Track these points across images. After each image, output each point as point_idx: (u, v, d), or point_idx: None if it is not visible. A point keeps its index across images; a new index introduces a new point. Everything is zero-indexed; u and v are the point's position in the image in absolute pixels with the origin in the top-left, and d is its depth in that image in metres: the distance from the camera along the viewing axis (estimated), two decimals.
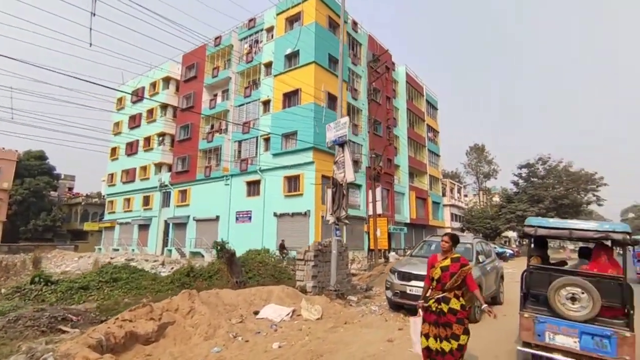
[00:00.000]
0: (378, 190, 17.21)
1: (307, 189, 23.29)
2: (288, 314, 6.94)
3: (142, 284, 12.06)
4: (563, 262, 5.81)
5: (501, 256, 29.18)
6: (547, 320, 4.27)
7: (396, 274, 7.13)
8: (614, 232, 4.26)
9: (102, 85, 31.83)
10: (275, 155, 24.95)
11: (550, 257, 6.21)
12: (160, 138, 34.88)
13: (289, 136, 24.65)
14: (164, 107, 34.96)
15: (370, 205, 27.55)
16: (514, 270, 21.38)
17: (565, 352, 4.12)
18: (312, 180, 23.05)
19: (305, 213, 22.94)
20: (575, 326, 4.09)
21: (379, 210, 18.42)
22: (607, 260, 4.64)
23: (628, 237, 4.17)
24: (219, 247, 9.93)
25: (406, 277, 6.91)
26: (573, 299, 4.20)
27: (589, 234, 4.41)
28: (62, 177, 48.82)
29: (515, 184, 37.78)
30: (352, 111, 27.66)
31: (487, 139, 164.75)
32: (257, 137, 26.72)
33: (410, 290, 6.81)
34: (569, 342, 4.11)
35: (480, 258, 7.38)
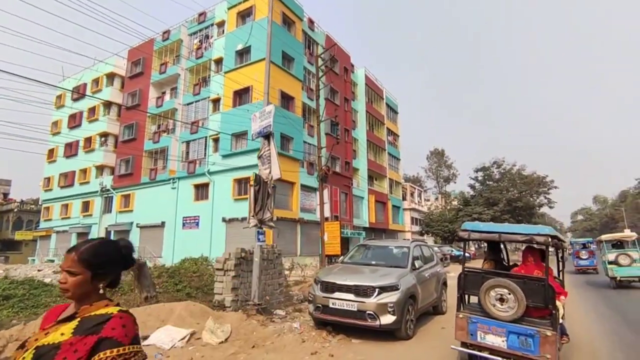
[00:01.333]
0: (326, 192, 16.16)
1: None
2: (184, 338, 5.64)
3: (43, 301, 10.25)
4: (515, 265, 5.80)
5: (458, 258, 29.19)
6: (479, 320, 4.44)
7: (319, 284, 6.03)
8: (537, 235, 4.37)
9: (37, 81, 28.92)
10: (224, 156, 23.40)
11: (511, 261, 6.25)
12: (103, 138, 32.18)
13: (239, 136, 23.21)
14: (108, 105, 32.38)
15: (325, 207, 26.69)
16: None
17: (494, 351, 4.27)
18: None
19: None
20: (503, 326, 4.26)
21: (327, 214, 17.36)
22: (533, 262, 4.93)
23: (550, 239, 4.31)
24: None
25: (329, 288, 5.83)
26: (501, 300, 4.35)
27: (516, 237, 4.59)
28: None
29: (472, 187, 38.34)
30: (307, 111, 26.66)
31: (452, 143, 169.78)
32: (206, 137, 25.06)
33: (333, 304, 5.71)
34: (498, 341, 4.27)
35: (417, 263, 6.45)
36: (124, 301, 8.46)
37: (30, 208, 40.54)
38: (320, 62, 18.63)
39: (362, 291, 5.48)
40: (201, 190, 24.79)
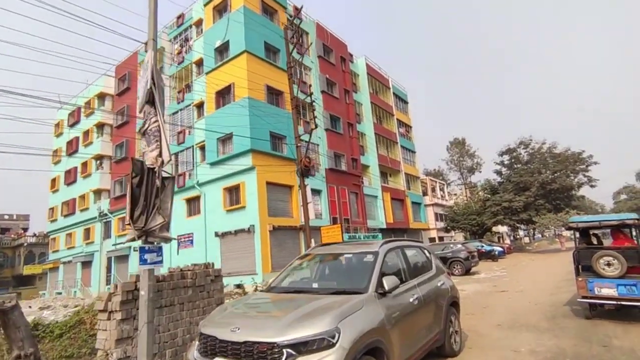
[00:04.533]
0: (308, 190, 13.45)
1: (249, 200, 19.51)
2: None
3: None
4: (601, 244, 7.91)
5: (490, 254, 25.58)
6: (594, 280, 6.49)
7: (198, 340, 3.34)
8: (627, 219, 6.83)
9: (41, 102, 27.90)
10: (212, 164, 21.17)
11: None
12: (98, 161, 30.84)
13: (225, 140, 20.96)
14: (100, 126, 31.18)
15: (330, 212, 23.87)
16: (501, 273, 17.64)
17: (608, 298, 6.34)
18: (254, 190, 19.30)
19: (249, 229, 19.07)
20: (613, 281, 6.31)
21: (312, 215, 14.61)
22: (624, 237, 7.32)
23: (637, 221, 6.66)
24: None
25: (209, 348, 3.19)
26: (608, 265, 6.45)
27: (612, 222, 7.10)
28: (5, 217, 44.16)
29: (499, 173, 34.45)
30: (301, 107, 24.12)
31: (474, 132, 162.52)
32: (192, 146, 22.98)
33: None
34: (610, 292, 6.31)
35: (388, 283, 3.62)
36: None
37: (38, 241, 39.91)
38: (291, 33, 16.11)
39: (257, 354, 2.78)
40: (193, 205, 22.65)
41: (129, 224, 4.62)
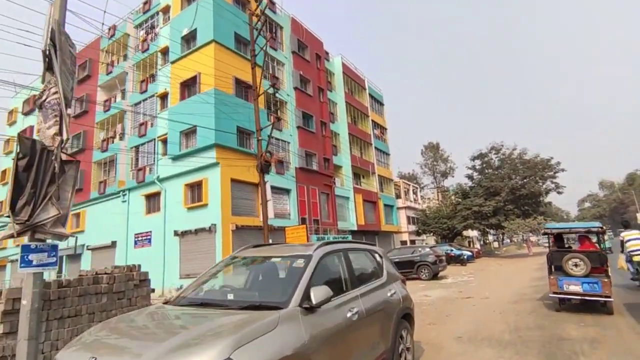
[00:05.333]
0: (268, 188, 12.63)
1: (212, 198, 18.45)
2: None
3: None
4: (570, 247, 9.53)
5: (458, 259, 25.50)
6: (564, 278, 7.68)
7: None
8: (592, 227, 8.34)
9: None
10: (174, 158, 19.95)
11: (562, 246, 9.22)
12: None
13: (188, 134, 19.82)
14: None
15: (290, 209, 23.07)
16: (469, 278, 17.26)
17: (574, 294, 7.57)
18: (217, 186, 18.27)
19: (210, 228, 18.02)
20: (579, 280, 7.49)
21: (272, 214, 13.77)
22: (589, 242, 8.53)
23: (601, 229, 8.20)
24: None
25: None
26: (576, 265, 7.60)
27: (580, 229, 8.67)
28: None
29: (470, 177, 34.69)
30: (273, 103, 23.26)
31: (449, 136, 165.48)
32: (154, 139, 21.65)
33: None
34: (577, 288, 7.51)
35: (317, 295, 2.77)
36: None
37: None
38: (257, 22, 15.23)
39: None
40: (152, 201, 21.31)
41: (10, 216, 3.67)
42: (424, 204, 49.53)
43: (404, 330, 4.23)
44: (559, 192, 31.72)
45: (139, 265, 5.84)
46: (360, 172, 33.76)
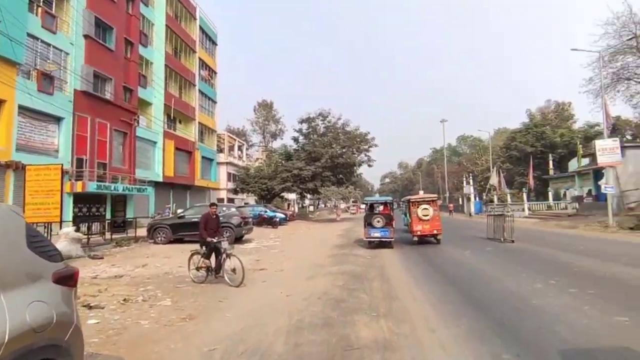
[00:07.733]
0: None
1: None
2: None
3: None
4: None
5: (271, 221, 24.39)
6: (371, 229, 12.79)
7: None
8: (387, 200, 15.46)
9: None
10: None
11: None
12: None
13: None
14: None
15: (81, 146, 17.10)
16: (274, 243, 15.81)
17: (376, 237, 12.77)
18: None
19: None
20: (379, 230, 12.71)
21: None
22: (385, 208, 14.67)
23: (392, 201, 16.59)
24: None
25: None
26: (378, 222, 12.79)
27: (381, 201, 15.77)
28: None
29: (296, 140, 34.26)
30: None
31: (286, 100, 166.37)
32: None
33: None
34: (377, 235, 12.73)
35: None
36: None
37: None
38: None
39: None
40: None
41: None
42: (249, 162, 47.60)
43: None
44: (369, 165, 34.65)
45: None
46: (177, 116, 28.62)
